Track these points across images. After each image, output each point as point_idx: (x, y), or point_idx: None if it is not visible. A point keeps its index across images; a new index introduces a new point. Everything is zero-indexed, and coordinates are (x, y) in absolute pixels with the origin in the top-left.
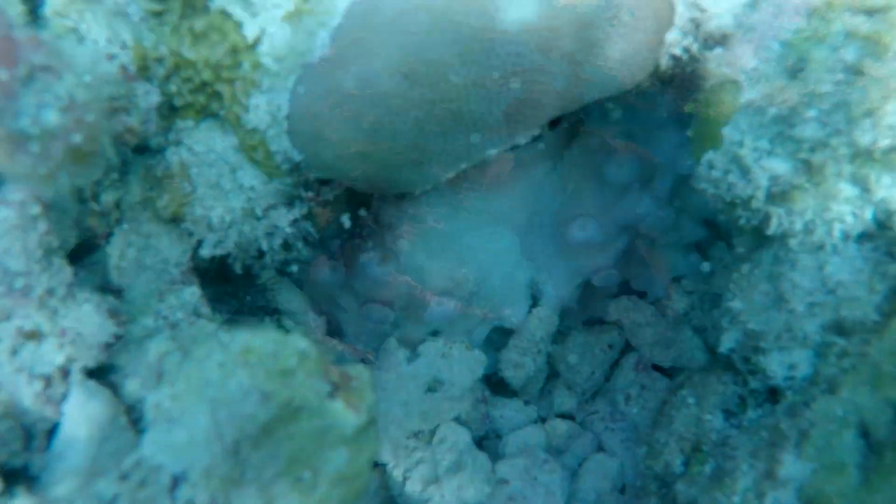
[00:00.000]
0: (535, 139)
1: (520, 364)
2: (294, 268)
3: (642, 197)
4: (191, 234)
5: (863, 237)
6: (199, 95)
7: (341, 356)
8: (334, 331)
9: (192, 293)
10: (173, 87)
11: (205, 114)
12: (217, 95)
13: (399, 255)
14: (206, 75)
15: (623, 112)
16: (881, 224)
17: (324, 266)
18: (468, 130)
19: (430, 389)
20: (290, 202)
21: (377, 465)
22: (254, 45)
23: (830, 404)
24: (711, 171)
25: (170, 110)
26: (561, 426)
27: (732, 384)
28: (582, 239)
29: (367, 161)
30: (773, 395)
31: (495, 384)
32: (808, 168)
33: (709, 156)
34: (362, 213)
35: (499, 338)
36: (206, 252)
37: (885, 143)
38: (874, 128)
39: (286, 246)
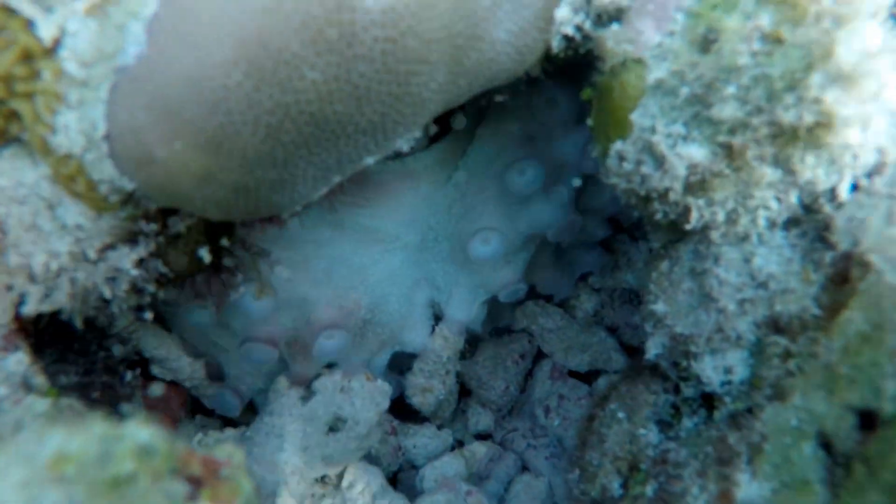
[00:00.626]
0: (422, 141)
1: (428, 388)
2: (147, 314)
3: (548, 204)
4: (9, 289)
5: (789, 223)
6: None
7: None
8: (214, 374)
9: (18, 361)
10: None
11: (4, 139)
12: (14, 115)
13: (277, 286)
14: None
15: (520, 112)
16: (807, 208)
17: (193, 305)
18: (336, 137)
19: (332, 429)
20: (131, 239)
21: None
22: (53, 49)
23: (781, 413)
24: (622, 164)
25: None
26: (479, 449)
27: (663, 392)
28: (485, 254)
29: (214, 184)
30: (708, 401)
31: (401, 410)
32: (728, 153)
33: (617, 146)
34: (224, 242)
35: (401, 359)
36: (29, 308)
37: (809, 119)
38: (799, 103)
39: (135, 290)
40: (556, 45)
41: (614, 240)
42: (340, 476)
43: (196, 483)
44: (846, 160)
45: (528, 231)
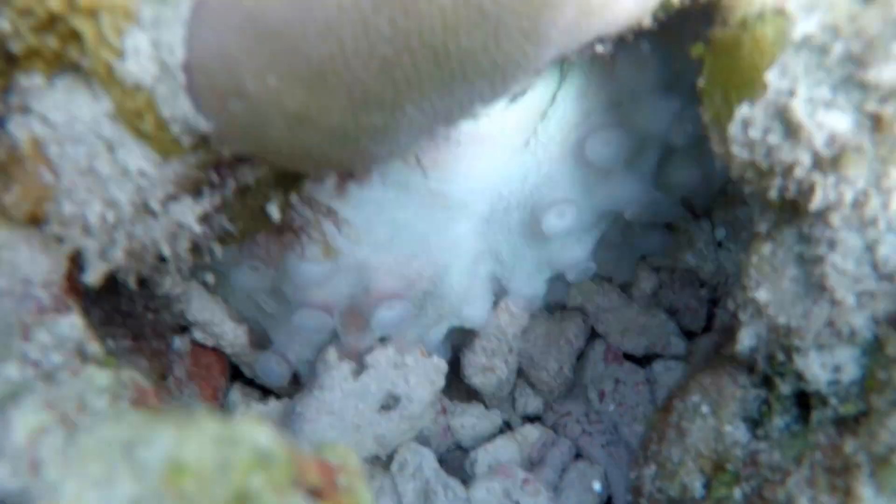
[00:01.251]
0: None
1: (490, 367)
2: (208, 277)
3: (630, 180)
4: (61, 241)
5: None
6: (49, 36)
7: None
8: (257, 341)
9: (72, 325)
10: (6, 24)
11: (60, 65)
12: (74, 36)
13: (340, 249)
14: (55, 3)
15: (606, 74)
16: None
17: (244, 266)
18: (452, 79)
19: (385, 407)
20: (197, 190)
21: None
22: None
23: None
24: (748, 131)
25: (5, 61)
26: (532, 433)
27: (752, 387)
28: (559, 229)
29: (310, 128)
30: (803, 400)
31: (450, 382)
32: (876, 124)
33: (743, 111)
34: (294, 198)
35: (454, 335)
36: (93, 273)
37: None
38: None
39: (196, 250)
40: None
41: (680, 218)
42: (391, 457)
43: (316, 495)
44: None
45: (605, 207)
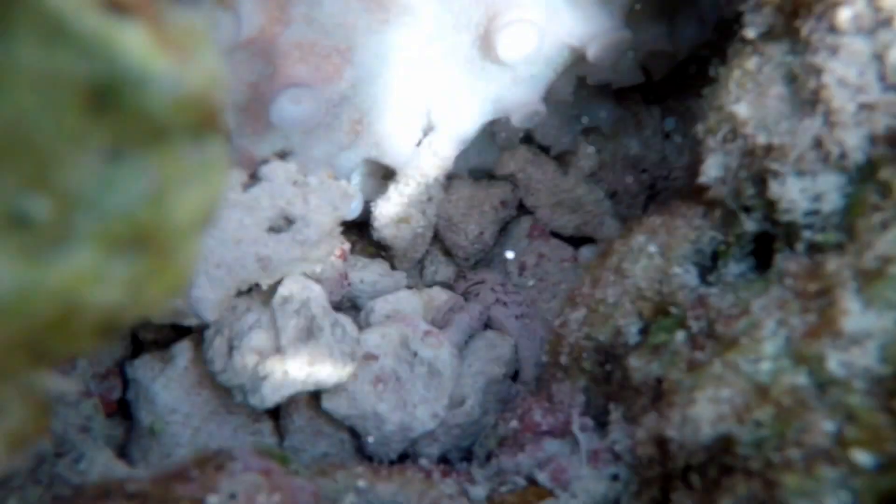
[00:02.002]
0: None
1: (404, 218)
2: None
3: (601, 7)
4: None
5: None
6: None
7: None
8: None
9: None
10: None
11: None
12: None
13: (242, 7)
14: None
15: None
16: None
17: None
18: None
19: (274, 228)
20: None
21: (188, 332)
22: None
23: None
24: None
25: None
26: (440, 295)
27: (708, 229)
28: (515, 56)
29: None
30: (762, 244)
31: (353, 242)
32: None
33: None
34: None
35: (369, 180)
36: None
37: None
38: None
39: None
40: None
41: (626, 98)
42: (272, 288)
43: (120, 6)
44: None
45: (569, 39)
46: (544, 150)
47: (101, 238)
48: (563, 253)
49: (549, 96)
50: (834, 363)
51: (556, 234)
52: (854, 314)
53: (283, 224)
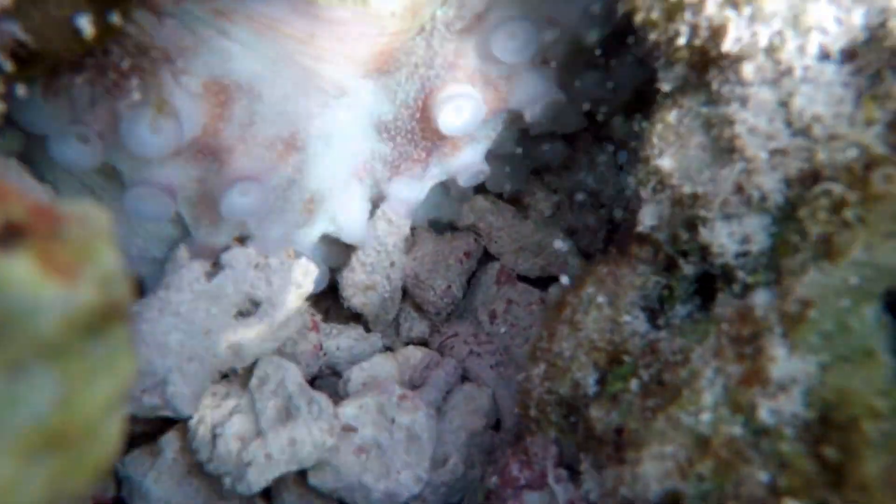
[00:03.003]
0: None
1: (370, 285)
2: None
3: (534, 78)
4: None
5: (845, 55)
6: None
7: None
8: None
9: None
10: None
11: None
12: None
13: (182, 108)
14: None
15: None
16: (872, 34)
17: (70, 136)
18: None
19: (242, 313)
20: None
21: (175, 422)
22: None
23: (833, 273)
24: None
25: None
26: (415, 354)
27: (652, 274)
28: (456, 125)
29: None
30: (707, 285)
31: (327, 309)
32: None
33: None
34: (113, 18)
35: (331, 250)
36: None
37: None
38: None
39: None
40: None
41: (577, 137)
42: (249, 371)
43: (12, 231)
44: None
45: (505, 105)
46: (500, 195)
47: (14, 451)
48: (530, 297)
49: (494, 150)
50: (765, 411)
51: (522, 278)
52: (780, 360)
53: (251, 307)
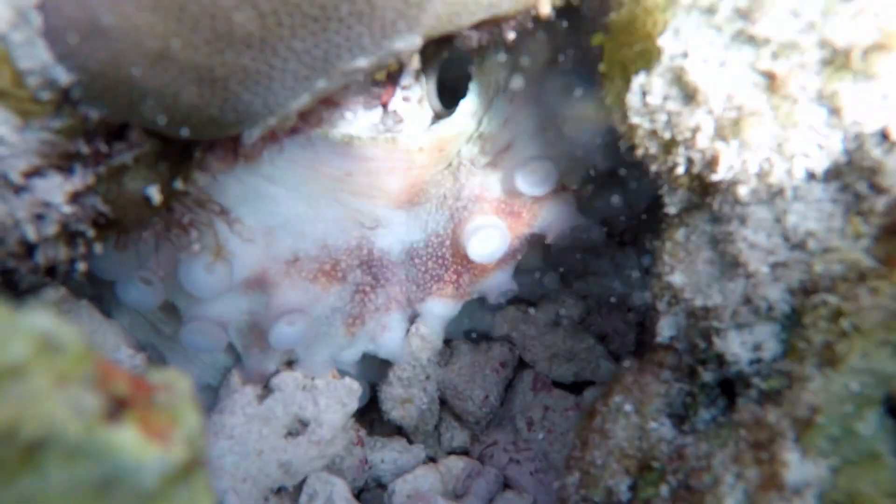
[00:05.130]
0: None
1: (408, 398)
2: (79, 266)
3: (555, 207)
4: None
5: (829, 175)
6: None
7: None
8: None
9: None
10: None
11: None
12: None
13: (235, 253)
14: None
15: (533, 98)
16: (851, 155)
17: (134, 280)
18: (326, 18)
19: (291, 433)
20: (66, 165)
21: None
22: None
23: (836, 380)
24: (646, 99)
25: None
26: (456, 464)
27: (675, 381)
28: (485, 256)
29: (173, 67)
30: (728, 389)
31: (371, 421)
32: (770, 83)
33: (640, 79)
34: (177, 184)
35: (371, 366)
36: None
37: (866, 38)
38: (857, 15)
39: (67, 235)
40: None
41: (604, 244)
42: (299, 487)
43: (117, 403)
44: None
45: (530, 230)
46: (532, 303)
47: None
48: (565, 402)
49: (521, 264)
50: None
51: (558, 384)
52: (793, 465)
53: (299, 427)
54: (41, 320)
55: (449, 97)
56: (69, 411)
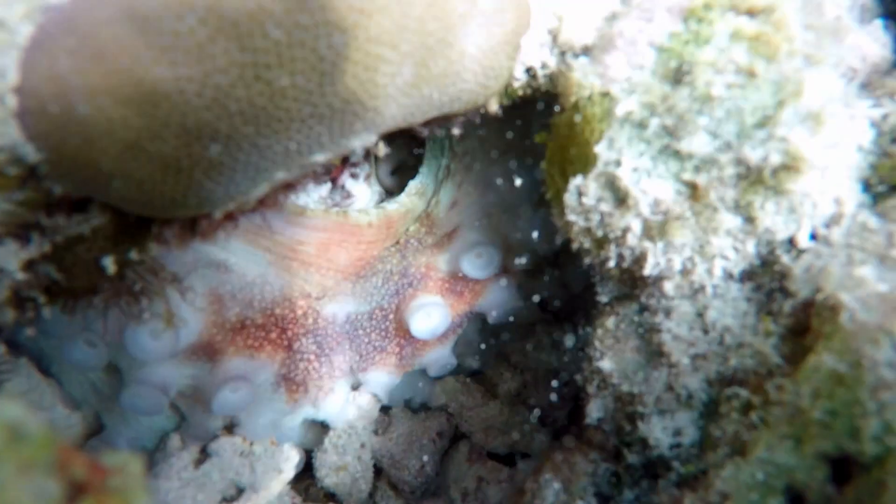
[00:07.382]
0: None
1: (342, 466)
2: (27, 333)
3: (498, 291)
4: None
5: (745, 276)
6: None
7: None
8: (95, 429)
9: None
10: None
11: None
12: None
13: (184, 319)
14: None
15: (480, 185)
16: (764, 259)
17: (79, 340)
18: (289, 119)
19: (226, 499)
20: (23, 233)
21: None
22: None
23: (744, 469)
24: (581, 200)
25: None
26: None
27: (602, 461)
28: (427, 332)
29: (142, 157)
30: (651, 471)
31: (307, 487)
32: (692, 192)
33: (577, 181)
34: (132, 255)
35: (309, 431)
36: None
37: (776, 159)
38: (767, 140)
39: (17, 301)
40: (518, 76)
41: (541, 320)
42: None
43: (76, 489)
44: (806, 209)
45: (471, 309)
46: (470, 374)
47: None
48: (499, 474)
49: (461, 337)
50: None
51: (493, 455)
52: None
53: (235, 493)
54: (11, 411)
55: (413, 169)
56: (32, 499)
